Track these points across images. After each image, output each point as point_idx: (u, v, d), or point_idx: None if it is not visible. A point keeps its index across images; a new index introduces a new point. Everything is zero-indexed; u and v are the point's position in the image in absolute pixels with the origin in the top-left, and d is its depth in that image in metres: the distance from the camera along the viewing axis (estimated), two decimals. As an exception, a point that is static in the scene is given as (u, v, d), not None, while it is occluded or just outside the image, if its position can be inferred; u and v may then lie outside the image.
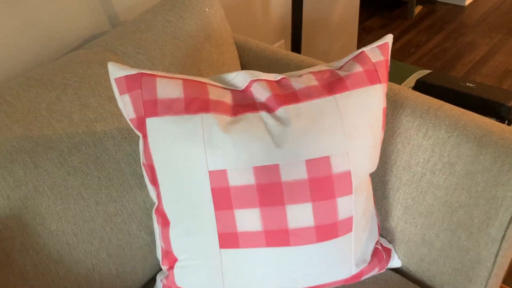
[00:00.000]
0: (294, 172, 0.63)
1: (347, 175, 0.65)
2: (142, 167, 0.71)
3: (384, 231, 0.85)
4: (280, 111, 0.66)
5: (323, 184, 0.64)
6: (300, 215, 0.64)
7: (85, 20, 0.97)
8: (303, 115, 0.65)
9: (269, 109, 0.67)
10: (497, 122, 0.74)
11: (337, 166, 0.64)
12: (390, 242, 0.84)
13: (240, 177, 0.63)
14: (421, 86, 1.02)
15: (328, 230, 0.66)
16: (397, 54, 2.44)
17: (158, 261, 0.81)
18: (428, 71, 1.10)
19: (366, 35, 2.65)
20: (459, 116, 0.76)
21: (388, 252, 0.82)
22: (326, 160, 0.64)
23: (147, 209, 0.78)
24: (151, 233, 0.78)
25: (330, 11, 1.75)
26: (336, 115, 0.65)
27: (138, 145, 0.77)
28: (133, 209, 0.76)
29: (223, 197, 0.64)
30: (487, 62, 2.29)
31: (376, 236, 0.77)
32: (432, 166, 0.77)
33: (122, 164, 0.75)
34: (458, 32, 2.60)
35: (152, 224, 0.78)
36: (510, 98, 0.94)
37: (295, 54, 1.00)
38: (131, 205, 0.76)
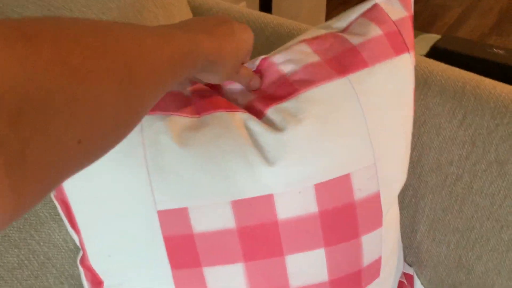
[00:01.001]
0: (296, 204, 0.40)
1: (375, 199, 0.43)
2: (53, 199, 0.45)
3: (404, 250, 0.64)
4: (270, 113, 0.42)
5: (341, 218, 0.41)
6: (307, 267, 0.41)
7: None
8: (306, 113, 0.41)
9: (253, 112, 0.43)
10: (560, 102, 0.54)
11: (362, 188, 0.42)
12: (410, 265, 0.64)
13: (211, 218, 0.39)
14: (437, 54, 0.81)
15: (348, 283, 0.43)
16: (366, 18, 2.23)
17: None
18: (436, 36, 0.90)
19: (330, -2, 2.42)
20: (507, 95, 0.55)
21: (410, 280, 0.61)
22: (345, 180, 0.41)
23: (71, 250, 0.52)
24: (80, 285, 0.53)
25: (297, -33, 1.50)
26: (355, 107, 0.42)
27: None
28: (48, 254, 0.50)
29: (184, 250, 0.40)
30: (462, 25, 2.13)
31: (401, 269, 0.56)
32: (472, 165, 0.56)
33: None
34: (427, -7, 2.42)
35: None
36: (555, 67, 0.75)
37: (270, 16, 0.75)
38: (44, 249, 0.50)
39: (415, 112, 0.58)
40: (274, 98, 0.42)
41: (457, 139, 0.56)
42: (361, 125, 0.42)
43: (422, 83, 0.58)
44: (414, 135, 0.59)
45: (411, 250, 0.63)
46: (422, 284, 0.64)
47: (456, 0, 2.33)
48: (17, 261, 0.48)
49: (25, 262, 0.49)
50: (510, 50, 0.80)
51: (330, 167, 0.40)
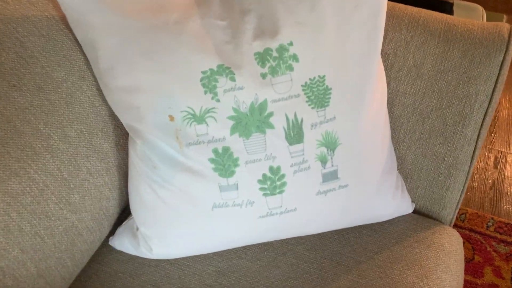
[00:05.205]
0: None
1: None
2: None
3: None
4: None
5: None
6: None
7: None
8: None
9: None
10: (456, 17, 0.68)
11: None
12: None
13: None
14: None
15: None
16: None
17: (91, 244, 0.62)
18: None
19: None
20: (416, 13, 0.68)
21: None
22: None
23: (66, 179, 0.57)
24: (76, 211, 0.58)
25: None
26: None
27: (34, 97, 0.55)
28: (46, 182, 0.55)
29: None
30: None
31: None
32: (396, 72, 0.68)
33: (16, 122, 0.53)
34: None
35: (76, 200, 0.58)
36: (451, -4, 0.92)
37: None
38: (42, 177, 0.54)
39: (347, 35, 0.69)
40: None
41: (382, 53, 0.68)
42: None
43: (350, 11, 0.70)
44: (348, 54, 0.70)
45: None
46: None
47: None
48: (19, 189, 0.52)
49: (27, 189, 0.53)
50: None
51: None
